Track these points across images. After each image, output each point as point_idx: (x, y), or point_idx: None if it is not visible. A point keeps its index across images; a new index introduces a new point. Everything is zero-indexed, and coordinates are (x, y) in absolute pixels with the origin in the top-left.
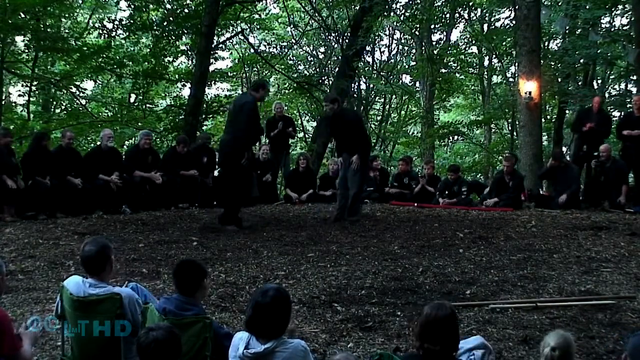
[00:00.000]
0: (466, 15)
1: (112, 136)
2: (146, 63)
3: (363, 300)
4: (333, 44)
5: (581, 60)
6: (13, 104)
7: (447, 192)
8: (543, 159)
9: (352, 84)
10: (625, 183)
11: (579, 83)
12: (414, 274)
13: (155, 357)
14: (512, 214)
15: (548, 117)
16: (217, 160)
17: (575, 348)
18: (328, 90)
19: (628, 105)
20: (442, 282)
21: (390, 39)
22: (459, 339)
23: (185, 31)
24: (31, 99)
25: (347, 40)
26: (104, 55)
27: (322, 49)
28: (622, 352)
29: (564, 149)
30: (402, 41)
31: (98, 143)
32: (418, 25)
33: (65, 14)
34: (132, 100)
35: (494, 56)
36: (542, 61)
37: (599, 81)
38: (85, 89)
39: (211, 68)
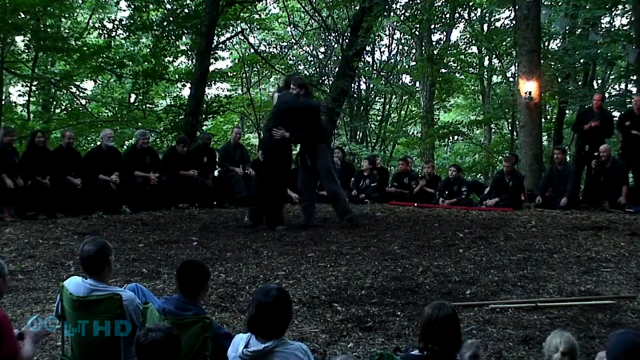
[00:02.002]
0: (466, 15)
1: (112, 136)
2: (146, 63)
3: (363, 300)
4: (333, 44)
5: (581, 60)
6: (13, 104)
7: (447, 192)
8: (543, 159)
9: (352, 84)
10: (625, 183)
11: (579, 83)
12: (414, 274)
13: (153, 358)
14: (512, 214)
15: (548, 117)
16: (217, 160)
17: (578, 349)
18: (328, 90)
19: (628, 106)
20: (442, 282)
21: (390, 39)
22: (461, 338)
23: (185, 31)
24: (31, 99)
25: (347, 40)
26: (104, 55)
27: (322, 49)
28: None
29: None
30: (402, 41)
31: (98, 143)
32: (418, 25)
33: (65, 14)
34: (132, 100)
35: (494, 56)
36: (542, 61)
37: (599, 81)
38: (85, 89)
39: (211, 68)
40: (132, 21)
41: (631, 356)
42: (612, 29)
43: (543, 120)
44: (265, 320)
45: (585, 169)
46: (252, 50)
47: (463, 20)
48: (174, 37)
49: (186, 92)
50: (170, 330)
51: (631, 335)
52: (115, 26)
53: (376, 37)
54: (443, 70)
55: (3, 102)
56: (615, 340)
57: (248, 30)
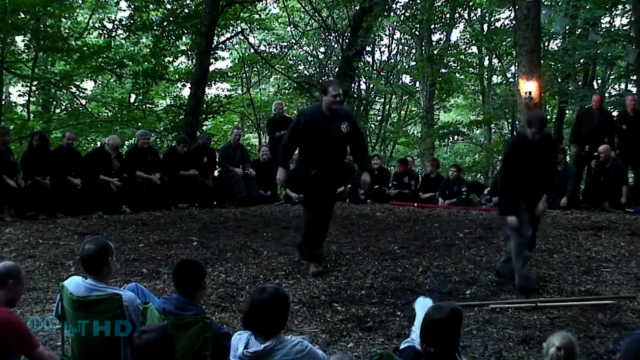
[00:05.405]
0: (466, 15)
1: (117, 145)
2: (146, 63)
3: (363, 300)
4: (333, 44)
5: (581, 60)
6: (13, 104)
7: (447, 192)
8: None
9: (352, 84)
10: (625, 183)
11: (579, 83)
12: (414, 274)
13: (148, 359)
14: None
15: (548, 117)
16: (217, 160)
17: (578, 349)
18: None
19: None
20: (442, 282)
21: (390, 39)
22: (458, 339)
23: (185, 31)
24: (31, 99)
25: (347, 40)
26: (104, 55)
27: (322, 49)
28: (617, 353)
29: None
30: (402, 41)
31: (99, 143)
32: (418, 25)
33: (65, 14)
34: (132, 100)
35: (494, 56)
36: (542, 61)
37: (599, 81)
38: (85, 89)
39: (211, 68)
40: (132, 21)
41: None
42: (612, 29)
43: None
44: (260, 318)
45: (586, 169)
46: (252, 50)
47: (463, 20)
48: (174, 37)
49: (186, 92)
50: (164, 331)
51: None
52: (115, 26)
53: (376, 37)
54: (443, 70)
55: (3, 102)
56: (629, 342)
57: (248, 30)
